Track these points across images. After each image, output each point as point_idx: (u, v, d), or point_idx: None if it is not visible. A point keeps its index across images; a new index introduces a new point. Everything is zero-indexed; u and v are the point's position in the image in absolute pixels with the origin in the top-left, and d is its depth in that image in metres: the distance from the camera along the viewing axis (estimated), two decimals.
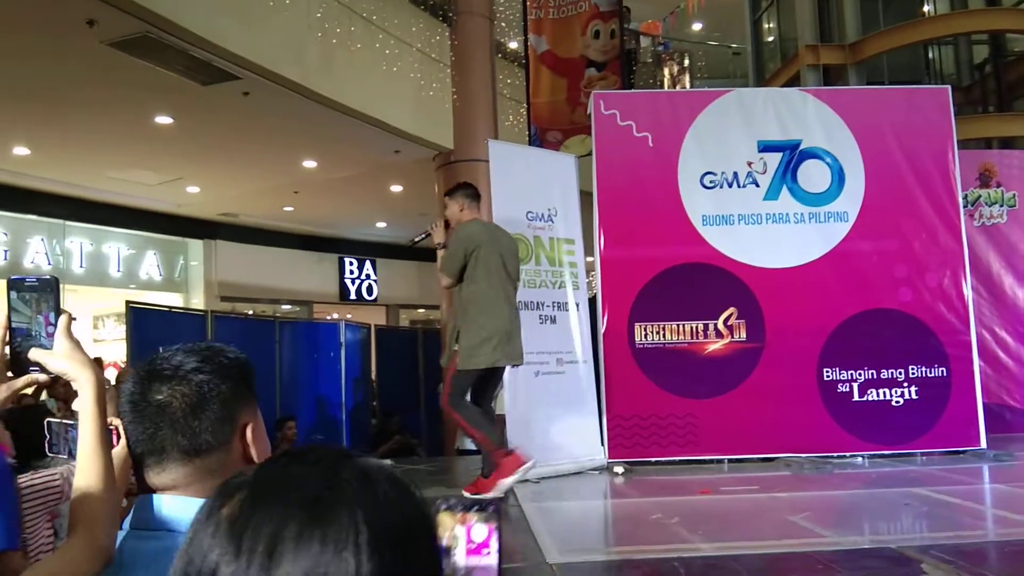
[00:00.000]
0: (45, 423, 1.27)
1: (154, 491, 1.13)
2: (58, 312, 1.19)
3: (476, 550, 0.78)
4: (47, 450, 1.31)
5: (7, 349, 1.18)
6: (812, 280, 5.74)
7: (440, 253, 4.81)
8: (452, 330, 4.67)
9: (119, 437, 1.26)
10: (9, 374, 1.19)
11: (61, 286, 1.23)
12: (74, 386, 1.18)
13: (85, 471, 1.14)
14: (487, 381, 4.67)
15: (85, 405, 1.15)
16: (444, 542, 0.77)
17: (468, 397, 4.64)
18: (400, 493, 0.65)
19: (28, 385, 1.22)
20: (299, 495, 0.61)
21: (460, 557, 0.79)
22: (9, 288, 1.20)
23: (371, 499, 0.62)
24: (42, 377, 1.20)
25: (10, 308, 1.19)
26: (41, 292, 1.20)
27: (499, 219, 5.50)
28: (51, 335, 1.18)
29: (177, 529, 1.07)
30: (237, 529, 0.60)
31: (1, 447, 2.20)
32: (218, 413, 1.12)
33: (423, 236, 5.30)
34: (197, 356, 1.15)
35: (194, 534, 0.64)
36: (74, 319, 1.20)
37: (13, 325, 1.19)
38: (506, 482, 4.27)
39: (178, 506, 1.09)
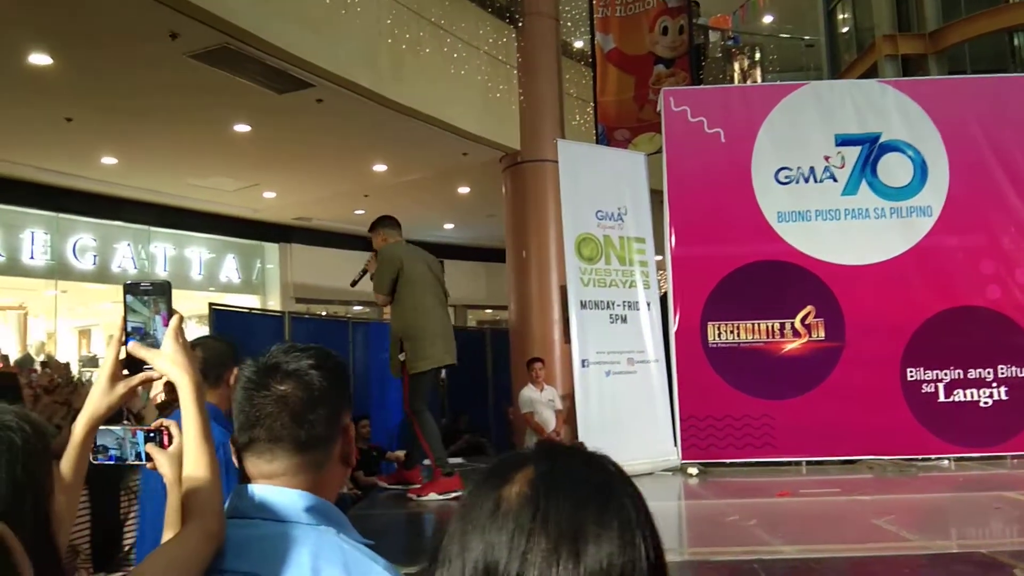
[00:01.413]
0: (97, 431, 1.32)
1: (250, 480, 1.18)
2: (171, 312, 1.26)
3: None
4: (91, 458, 1.35)
5: (123, 349, 1.25)
6: (894, 277, 5.56)
7: (374, 285, 5.37)
8: (395, 340, 5.23)
9: (171, 438, 1.31)
10: (125, 372, 1.26)
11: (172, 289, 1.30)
12: (179, 387, 1.24)
13: (193, 464, 1.21)
14: (432, 383, 5.32)
15: (187, 404, 1.23)
16: None
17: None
18: (634, 484, 0.73)
19: (143, 382, 1.28)
20: (588, 486, 0.68)
21: None
22: (126, 292, 1.28)
23: (631, 486, 0.71)
24: (155, 375, 1.26)
25: (127, 309, 1.26)
26: (156, 294, 1.28)
27: (568, 218, 5.51)
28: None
29: (273, 518, 1.12)
30: (540, 514, 0.66)
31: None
32: (330, 410, 1.19)
33: (361, 275, 5.64)
34: (312, 354, 1.21)
35: (479, 519, 0.68)
36: (185, 321, 1.27)
37: (131, 325, 1.26)
38: (436, 497, 4.79)
39: (276, 495, 1.14)
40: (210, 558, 1.11)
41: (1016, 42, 17.46)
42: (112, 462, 1.35)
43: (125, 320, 1.26)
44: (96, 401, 1.24)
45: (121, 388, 1.25)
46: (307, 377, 1.18)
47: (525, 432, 7.94)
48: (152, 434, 1.30)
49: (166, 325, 1.26)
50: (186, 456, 1.22)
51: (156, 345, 1.25)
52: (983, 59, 16.64)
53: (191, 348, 1.28)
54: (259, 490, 1.15)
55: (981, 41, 16.15)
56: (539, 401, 7.88)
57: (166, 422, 1.34)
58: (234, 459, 1.22)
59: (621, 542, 0.65)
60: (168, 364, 1.23)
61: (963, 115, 5.75)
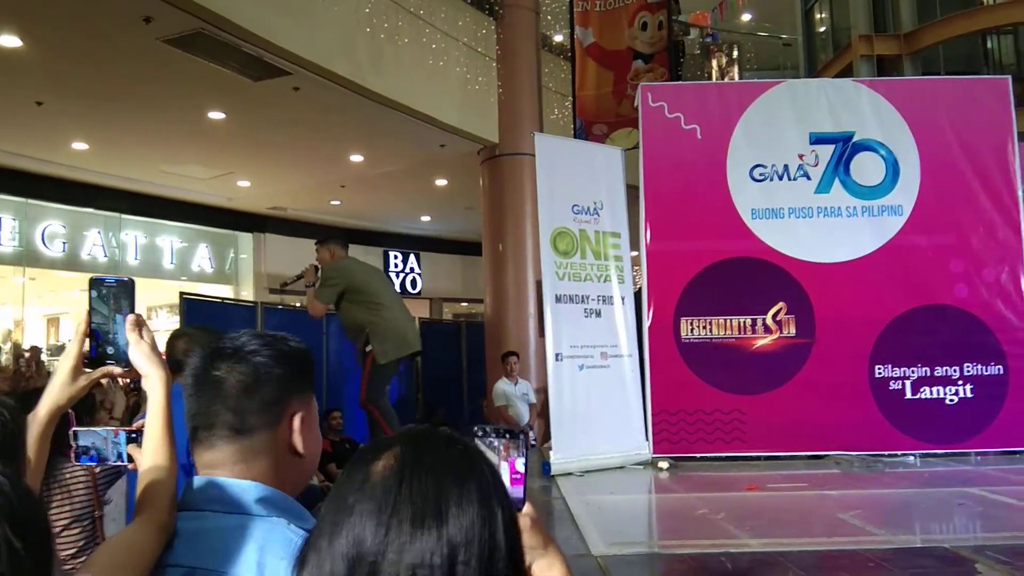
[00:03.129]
0: (71, 432, 1.31)
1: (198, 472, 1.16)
2: (132, 311, 1.26)
3: (520, 480, 0.90)
4: (73, 458, 1.35)
5: (86, 346, 1.25)
6: (864, 275, 5.63)
7: (309, 293, 5.65)
8: (360, 337, 5.45)
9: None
10: (87, 369, 1.26)
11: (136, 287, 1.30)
12: (143, 382, 1.24)
13: (152, 457, 1.20)
14: (392, 374, 5.64)
15: (155, 398, 1.23)
16: None
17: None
18: (486, 458, 0.80)
19: (104, 376, 1.29)
20: (449, 459, 0.75)
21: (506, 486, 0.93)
22: (91, 287, 1.27)
23: (488, 462, 0.77)
24: (117, 370, 1.26)
25: (91, 308, 1.26)
26: (119, 291, 1.27)
27: (544, 212, 5.52)
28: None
29: (223, 510, 1.10)
30: (403, 490, 0.71)
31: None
32: (268, 396, 1.14)
33: (295, 279, 5.80)
34: (260, 340, 1.18)
35: (348, 495, 0.73)
36: (143, 322, 1.26)
37: (92, 327, 1.25)
38: None
39: (228, 487, 1.11)
40: (160, 549, 1.09)
41: (989, 44, 17.71)
42: (94, 462, 1.35)
43: (90, 314, 1.26)
44: (57, 391, 1.24)
45: (83, 380, 1.25)
46: (244, 362, 1.15)
47: (527, 443, 7.96)
48: (135, 435, 1.30)
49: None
50: (146, 447, 1.22)
51: (116, 347, 1.25)
52: (957, 60, 16.87)
53: (174, 339, 1.27)
54: (209, 481, 1.13)
55: (955, 43, 16.38)
56: (513, 394, 7.90)
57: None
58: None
59: (480, 510, 0.72)
60: (142, 359, 1.23)
61: (936, 116, 5.82)
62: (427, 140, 9.96)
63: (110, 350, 1.26)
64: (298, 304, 13.34)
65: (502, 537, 0.72)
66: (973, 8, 16.40)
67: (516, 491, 0.94)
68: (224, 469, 1.13)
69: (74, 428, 1.32)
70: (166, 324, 13.52)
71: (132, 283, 1.29)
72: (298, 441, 1.17)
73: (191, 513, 1.12)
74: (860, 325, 5.58)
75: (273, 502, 1.11)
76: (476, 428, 0.97)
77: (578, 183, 5.72)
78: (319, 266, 5.73)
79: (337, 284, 5.49)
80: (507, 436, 0.97)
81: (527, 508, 0.96)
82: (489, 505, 0.73)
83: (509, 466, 0.95)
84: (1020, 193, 5.81)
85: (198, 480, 1.14)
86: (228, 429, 1.13)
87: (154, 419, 1.22)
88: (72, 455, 1.31)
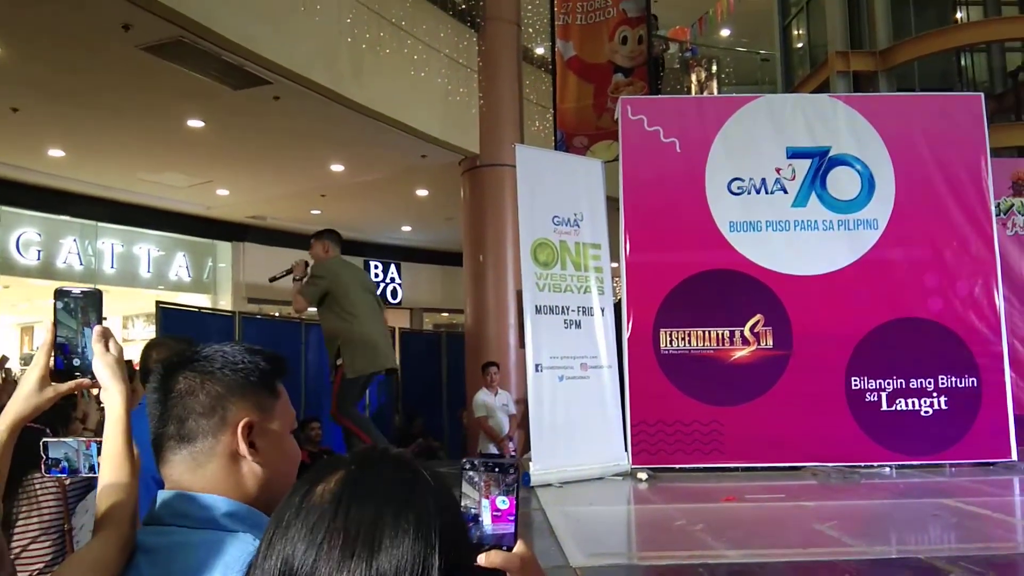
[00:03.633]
0: (42, 444, 1.30)
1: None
2: (100, 323, 1.24)
3: (501, 518, 0.87)
4: (43, 470, 1.33)
5: (52, 360, 1.23)
6: (840, 288, 5.69)
7: (295, 287, 5.56)
8: (332, 347, 5.50)
9: None
10: (53, 382, 1.24)
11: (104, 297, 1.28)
12: (102, 395, 1.23)
13: (112, 473, 1.18)
14: (364, 388, 5.60)
15: (114, 413, 1.21)
16: (472, 511, 0.90)
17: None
18: (445, 483, 0.77)
19: (74, 389, 1.26)
20: (392, 487, 0.72)
21: (487, 524, 0.91)
22: (56, 298, 1.26)
23: (439, 493, 0.74)
24: (86, 382, 1.24)
25: (56, 320, 1.24)
26: (87, 303, 1.25)
27: (524, 223, 5.53)
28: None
29: (189, 525, 1.08)
30: (339, 518, 0.69)
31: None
32: (208, 401, 1.12)
33: (283, 273, 5.77)
34: (212, 349, 1.17)
35: (286, 516, 0.72)
36: (110, 334, 1.24)
37: (59, 338, 1.24)
38: None
39: (195, 501, 1.10)
40: (122, 565, 1.07)
41: (963, 62, 18.01)
42: (64, 474, 1.33)
43: (55, 326, 1.24)
44: (21, 402, 1.21)
45: (50, 392, 1.23)
46: (191, 370, 1.14)
47: (479, 436, 7.93)
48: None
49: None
50: (104, 463, 1.20)
51: (82, 360, 1.24)
52: (931, 77, 17.12)
53: (148, 349, 1.26)
54: (177, 496, 1.11)
55: (930, 60, 16.62)
56: (493, 405, 7.88)
57: None
58: None
59: (415, 544, 0.68)
60: (105, 371, 1.21)
61: (910, 131, 5.91)
62: (408, 150, 9.96)
63: (77, 362, 1.25)
64: (276, 314, 13.25)
65: (440, 565, 0.69)
66: (948, 26, 16.67)
67: (498, 528, 0.91)
68: (181, 481, 1.11)
69: (44, 440, 1.30)
70: (142, 334, 13.38)
71: (99, 294, 1.27)
72: (243, 448, 1.13)
73: (157, 528, 1.10)
74: (836, 337, 5.63)
75: (240, 517, 1.09)
76: (464, 461, 0.94)
77: (558, 195, 5.74)
78: (309, 262, 5.67)
79: (321, 284, 5.46)
80: (495, 470, 0.94)
81: (519, 547, 0.92)
82: (427, 539, 0.69)
83: (490, 503, 0.93)
84: (993, 208, 5.91)
85: (164, 494, 1.12)
86: (172, 439, 1.12)
87: (112, 434, 1.20)
88: (42, 467, 1.29)
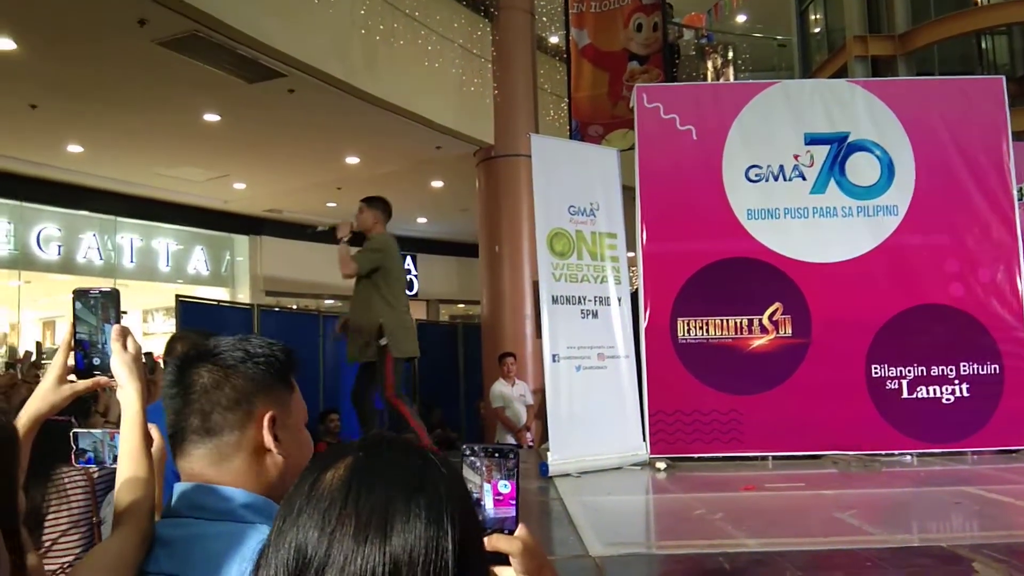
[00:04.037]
0: (72, 434, 1.32)
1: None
2: (119, 321, 1.26)
3: (503, 502, 0.89)
4: (73, 460, 1.35)
5: (72, 358, 1.25)
6: (860, 275, 5.63)
7: (343, 249, 5.36)
8: (369, 327, 5.30)
9: (151, 440, 1.31)
10: (71, 378, 1.27)
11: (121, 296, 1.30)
12: (119, 393, 1.24)
13: (131, 468, 1.20)
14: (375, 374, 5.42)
15: (131, 410, 1.23)
16: (474, 495, 0.92)
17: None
18: (456, 471, 0.78)
19: (92, 388, 1.28)
20: (402, 472, 0.72)
21: (488, 508, 0.94)
22: (75, 299, 1.27)
23: (449, 477, 0.74)
24: (104, 380, 1.26)
25: (76, 318, 1.26)
26: (105, 302, 1.27)
27: (540, 213, 5.52)
28: None
29: (207, 517, 1.08)
30: (350, 503, 0.69)
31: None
32: (233, 395, 1.13)
33: (326, 227, 5.64)
34: (230, 341, 1.18)
35: (296, 502, 0.72)
36: (129, 332, 1.26)
37: (78, 335, 1.25)
38: None
39: (213, 493, 1.10)
40: (142, 559, 1.08)
41: (984, 45, 17.77)
42: (91, 464, 1.35)
43: (74, 326, 1.26)
44: (39, 400, 1.24)
45: (67, 390, 1.25)
46: (213, 362, 1.14)
47: (497, 427, 7.95)
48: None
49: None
50: (122, 459, 1.21)
51: (102, 358, 1.25)
52: (951, 61, 16.91)
53: (173, 342, 1.27)
54: (195, 488, 1.11)
55: (949, 43, 16.42)
56: (510, 396, 7.90)
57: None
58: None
59: (428, 527, 0.69)
60: (122, 369, 1.23)
61: (930, 116, 5.83)
62: (423, 142, 9.96)
63: (97, 360, 1.26)
64: (294, 306, 13.34)
65: (451, 558, 0.69)
66: (967, 9, 16.46)
67: (500, 512, 0.93)
68: (205, 475, 1.11)
69: (74, 430, 1.32)
70: (162, 327, 13.51)
71: (117, 293, 1.29)
72: (269, 441, 1.14)
73: (175, 520, 1.11)
74: (856, 325, 5.58)
75: (258, 508, 1.10)
76: (464, 447, 0.96)
77: (574, 184, 5.72)
78: (354, 226, 5.50)
79: (377, 257, 5.36)
80: (495, 455, 0.95)
81: (521, 531, 0.93)
82: (439, 523, 0.70)
83: (492, 488, 0.94)
84: (1015, 192, 5.83)
85: (182, 487, 1.13)
86: (195, 432, 1.12)
87: (129, 431, 1.21)
88: (72, 456, 1.31)
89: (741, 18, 18.54)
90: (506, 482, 0.94)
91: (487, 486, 0.94)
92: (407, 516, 0.69)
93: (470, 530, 0.73)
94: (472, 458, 0.95)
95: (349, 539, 0.67)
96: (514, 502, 0.94)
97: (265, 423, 1.14)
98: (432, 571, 0.68)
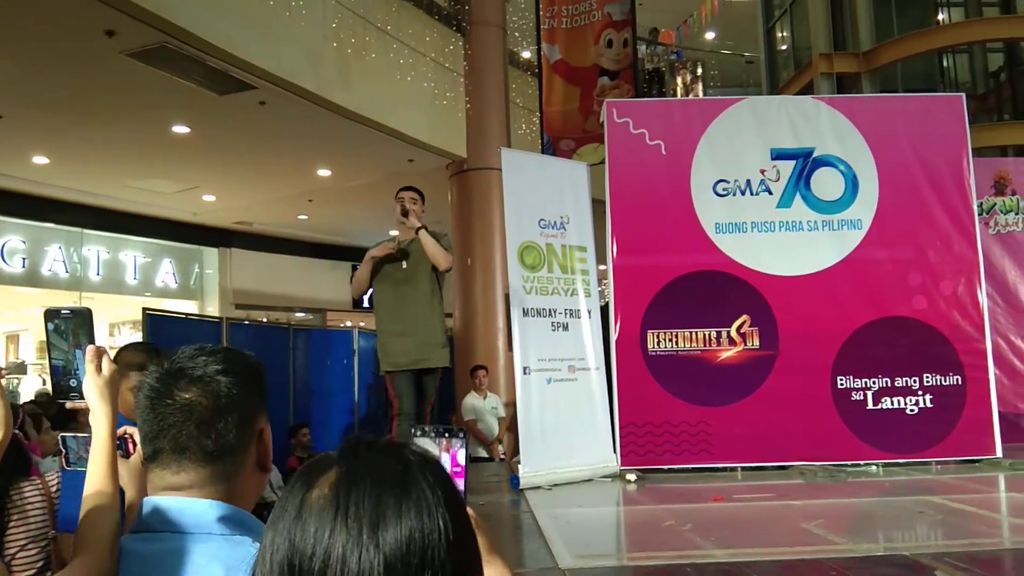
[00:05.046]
0: (60, 438, 1.32)
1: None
2: (92, 342, 1.25)
3: (460, 473, 0.93)
4: (64, 464, 1.35)
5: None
6: (826, 288, 5.72)
7: (430, 237, 4.93)
8: (439, 330, 5.03)
9: (135, 445, 1.29)
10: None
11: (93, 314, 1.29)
12: (90, 417, 1.22)
13: (95, 498, 1.18)
14: None
15: (99, 435, 1.21)
16: None
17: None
18: (435, 459, 0.79)
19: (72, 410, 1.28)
20: (387, 477, 0.73)
21: None
22: (46, 319, 1.26)
23: (432, 469, 0.76)
24: (81, 403, 1.25)
25: (49, 343, 1.25)
26: (76, 321, 1.26)
27: (511, 227, 5.55)
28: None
29: (182, 530, 1.07)
30: (340, 507, 0.70)
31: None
32: (241, 416, 1.12)
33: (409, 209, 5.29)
34: (222, 357, 1.15)
35: (284, 522, 0.72)
36: (104, 352, 1.24)
37: (53, 363, 1.25)
38: None
39: (186, 507, 1.09)
40: None
41: (945, 63, 18.19)
42: (81, 468, 1.34)
43: (50, 346, 1.26)
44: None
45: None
46: (213, 383, 1.12)
47: (468, 440, 7.93)
48: (117, 442, 1.27)
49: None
50: (89, 484, 1.19)
51: (78, 379, 1.24)
52: (915, 78, 17.28)
53: (122, 354, 1.26)
54: (167, 502, 1.09)
55: (912, 61, 16.78)
56: (482, 408, 7.90)
57: (130, 429, 1.31)
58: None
59: (419, 523, 0.70)
60: (92, 392, 1.22)
61: (893, 132, 5.96)
62: (395, 155, 9.97)
63: (72, 383, 1.25)
64: (264, 319, 13.21)
65: (445, 550, 0.70)
66: (930, 28, 16.84)
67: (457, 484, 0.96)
68: (191, 492, 1.10)
69: (62, 435, 1.31)
70: (129, 340, 13.29)
71: (89, 312, 1.28)
72: (267, 458, 1.16)
73: (147, 535, 1.09)
74: (822, 337, 5.67)
75: (236, 520, 1.09)
76: (414, 429, 0.99)
77: (545, 198, 5.76)
78: (420, 214, 5.10)
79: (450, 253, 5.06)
80: (447, 435, 0.99)
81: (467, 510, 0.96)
82: (430, 516, 0.71)
83: (451, 458, 0.97)
84: (975, 207, 5.97)
85: (155, 501, 1.11)
86: (201, 453, 1.10)
87: (96, 457, 1.20)
88: (63, 461, 1.31)
89: (710, 35, 18.83)
90: (463, 452, 0.99)
91: (446, 456, 0.97)
92: (398, 512, 0.69)
93: (461, 522, 0.74)
94: (427, 436, 0.99)
95: (342, 541, 0.68)
96: (464, 476, 0.98)
97: (266, 439, 1.16)
98: (427, 565, 0.69)
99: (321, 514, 0.70)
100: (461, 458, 0.98)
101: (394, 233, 5.43)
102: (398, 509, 0.70)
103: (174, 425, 1.10)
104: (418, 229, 4.93)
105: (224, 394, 1.12)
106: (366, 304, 16.38)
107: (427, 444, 0.98)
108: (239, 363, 1.16)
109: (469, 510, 0.94)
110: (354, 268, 16.32)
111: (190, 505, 1.09)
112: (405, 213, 5.06)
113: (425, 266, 5.01)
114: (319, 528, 0.69)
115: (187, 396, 1.11)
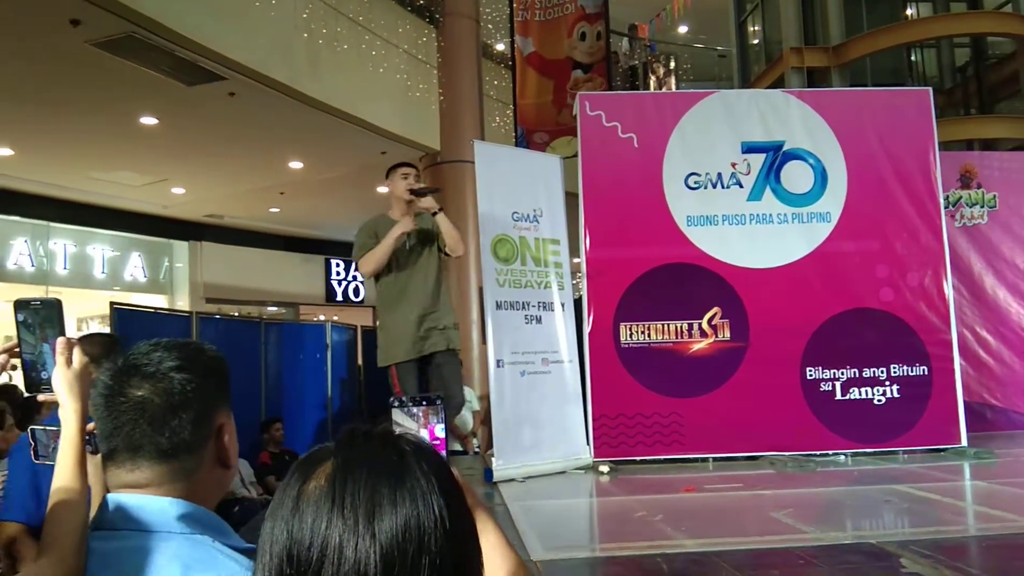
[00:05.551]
0: (29, 430, 1.29)
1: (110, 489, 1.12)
2: (63, 334, 1.22)
3: (440, 446, 0.93)
4: (33, 458, 1.33)
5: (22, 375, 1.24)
6: (795, 280, 5.78)
7: (444, 219, 4.70)
8: (452, 316, 4.91)
9: None
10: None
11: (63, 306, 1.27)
12: (60, 412, 1.20)
13: (62, 493, 1.15)
14: None
15: (68, 431, 1.19)
16: None
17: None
18: (430, 447, 0.80)
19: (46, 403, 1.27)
20: (382, 467, 0.73)
21: None
22: (16, 310, 1.24)
23: (427, 457, 0.76)
24: (52, 396, 1.23)
25: (19, 336, 1.23)
26: (45, 313, 1.23)
27: (484, 219, 5.54)
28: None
29: (142, 528, 1.05)
30: (337, 498, 0.71)
31: None
32: (197, 413, 1.10)
33: (436, 189, 4.92)
34: (178, 353, 1.13)
35: (282, 514, 0.73)
36: (74, 344, 1.22)
37: (23, 357, 1.23)
38: None
39: (145, 504, 1.07)
40: None
41: (913, 57, 18.44)
42: (50, 462, 1.31)
43: (20, 346, 1.23)
44: None
45: None
46: (167, 380, 1.10)
47: (448, 407, 7.92)
48: (87, 437, 1.25)
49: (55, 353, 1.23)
50: (58, 481, 1.17)
51: (47, 375, 1.22)
52: (884, 72, 17.49)
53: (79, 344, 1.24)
54: (126, 499, 1.08)
55: (881, 56, 16.98)
56: (440, 394, 7.88)
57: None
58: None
59: (415, 511, 0.71)
60: (62, 386, 1.19)
61: (861, 126, 6.02)
62: (368, 147, 9.90)
63: (44, 375, 1.23)
64: (236, 314, 13.07)
65: (443, 537, 0.71)
66: (898, 23, 17.05)
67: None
68: (147, 490, 1.08)
69: (31, 427, 1.29)
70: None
71: (59, 303, 1.26)
72: (228, 454, 1.14)
73: (107, 533, 1.07)
74: (792, 329, 5.73)
75: (195, 518, 1.07)
76: (392, 399, 0.99)
77: (518, 191, 5.75)
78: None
79: None
80: (424, 403, 0.99)
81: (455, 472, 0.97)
82: (426, 504, 0.72)
83: (429, 432, 0.97)
84: (941, 200, 6.06)
85: (114, 499, 1.09)
86: (158, 451, 1.08)
87: (64, 453, 1.17)
88: (33, 453, 1.29)
89: (683, 29, 18.91)
90: (441, 425, 0.99)
91: (424, 432, 0.97)
92: (393, 501, 0.70)
93: (458, 509, 0.75)
94: (405, 408, 0.99)
95: (339, 531, 0.69)
96: (445, 447, 0.99)
97: (225, 437, 1.13)
98: (424, 552, 0.70)
99: (318, 505, 0.71)
100: (440, 431, 0.98)
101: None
102: (393, 498, 0.71)
103: (127, 423, 1.08)
104: (436, 212, 4.65)
105: (178, 391, 1.10)
106: (339, 298, 16.32)
107: (404, 418, 0.98)
108: (197, 358, 1.14)
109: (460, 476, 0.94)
110: (327, 262, 16.23)
111: (150, 503, 1.07)
112: (421, 193, 4.72)
113: (431, 249, 4.80)
114: (316, 519, 0.70)
115: (140, 393, 1.09)
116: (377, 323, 4.64)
